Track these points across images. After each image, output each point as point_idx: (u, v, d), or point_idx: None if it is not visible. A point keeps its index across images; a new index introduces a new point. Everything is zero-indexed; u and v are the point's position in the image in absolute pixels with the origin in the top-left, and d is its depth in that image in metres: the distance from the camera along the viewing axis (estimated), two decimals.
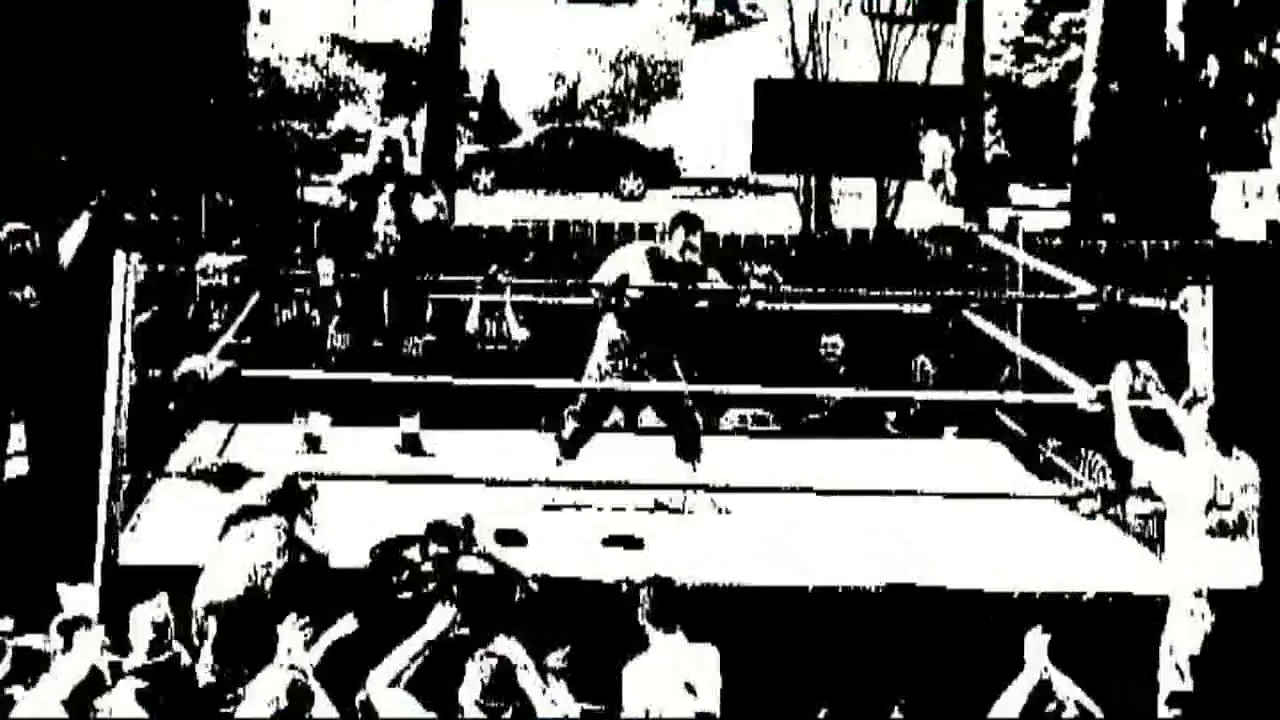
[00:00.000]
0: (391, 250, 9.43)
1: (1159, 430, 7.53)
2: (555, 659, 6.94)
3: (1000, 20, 27.06)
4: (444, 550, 7.33)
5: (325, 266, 9.28)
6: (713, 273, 8.94)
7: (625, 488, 8.74)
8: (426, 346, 9.71)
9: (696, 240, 8.90)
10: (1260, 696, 7.17)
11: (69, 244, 9.54)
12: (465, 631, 6.87)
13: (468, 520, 7.43)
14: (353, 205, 9.48)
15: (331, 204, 9.61)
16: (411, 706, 6.44)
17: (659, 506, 8.89)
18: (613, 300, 8.74)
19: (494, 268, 9.34)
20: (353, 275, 9.33)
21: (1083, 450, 9.88)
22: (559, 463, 9.01)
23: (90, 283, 9.97)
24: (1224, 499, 7.18)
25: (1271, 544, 7.33)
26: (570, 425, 9.03)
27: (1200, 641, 7.12)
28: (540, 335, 10.71)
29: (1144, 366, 7.58)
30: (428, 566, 7.34)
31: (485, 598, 7.28)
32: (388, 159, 9.49)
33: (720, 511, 8.84)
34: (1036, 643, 6.79)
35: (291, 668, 6.28)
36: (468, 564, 7.38)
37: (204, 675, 6.87)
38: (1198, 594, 7.12)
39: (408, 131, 9.75)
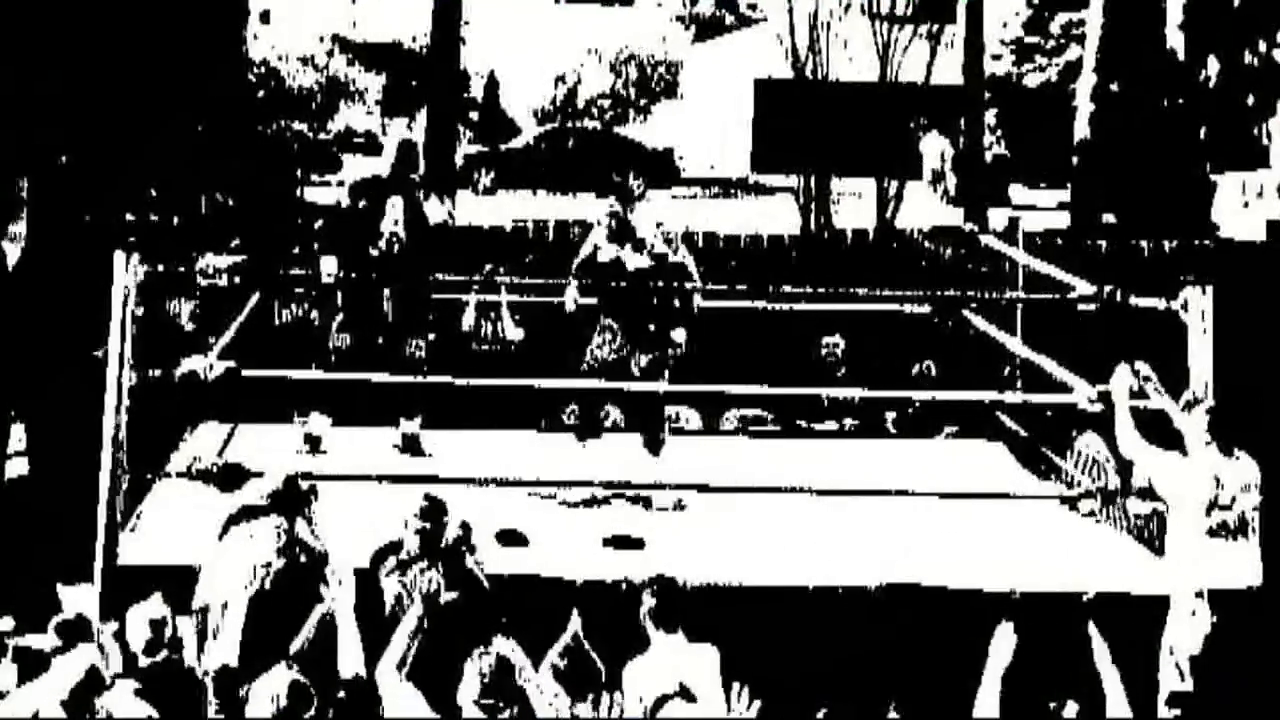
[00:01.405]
0: (396, 249, 9.43)
1: (1159, 431, 7.53)
2: (555, 659, 6.94)
3: (1000, 20, 27.05)
4: (427, 526, 7.33)
5: (328, 264, 9.28)
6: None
7: (625, 488, 8.75)
8: (427, 347, 9.72)
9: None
10: (1260, 696, 7.17)
11: (11, 247, 9.56)
12: (454, 596, 6.87)
13: (465, 527, 7.43)
14: (361, 205, 9.48)
15: (339, 204, 9.61)
16: (417, 703, 6.45)
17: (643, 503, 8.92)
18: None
19: (489, 267, 9.34)
20: (354, 274, 9.34)
21: (1079, 442, 9.87)
22: (583, 444, 9.09)
23: (49, 282, 9.98)
24: (1225, 499, 7.19)
25: (1272, 544, 7.33)
26: (577, 407, 9.14)
27: (1200, 641, 7.12)
28: (537, 335, 10.71)
29: (1143, 367, 7.59)
30: (413, 541, 7.33)
31: (481, 601, 7.28)
32: (402, 161, 9.49)
33: (678, 506, 8.88)
34: (1006, 638, 6.69)
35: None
36: (466, 564, 7.38)
37: (203, 675, 6.87)
38: (1198, 594, 7.12)
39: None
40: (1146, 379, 7.55)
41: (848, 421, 11.09)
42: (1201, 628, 7.13)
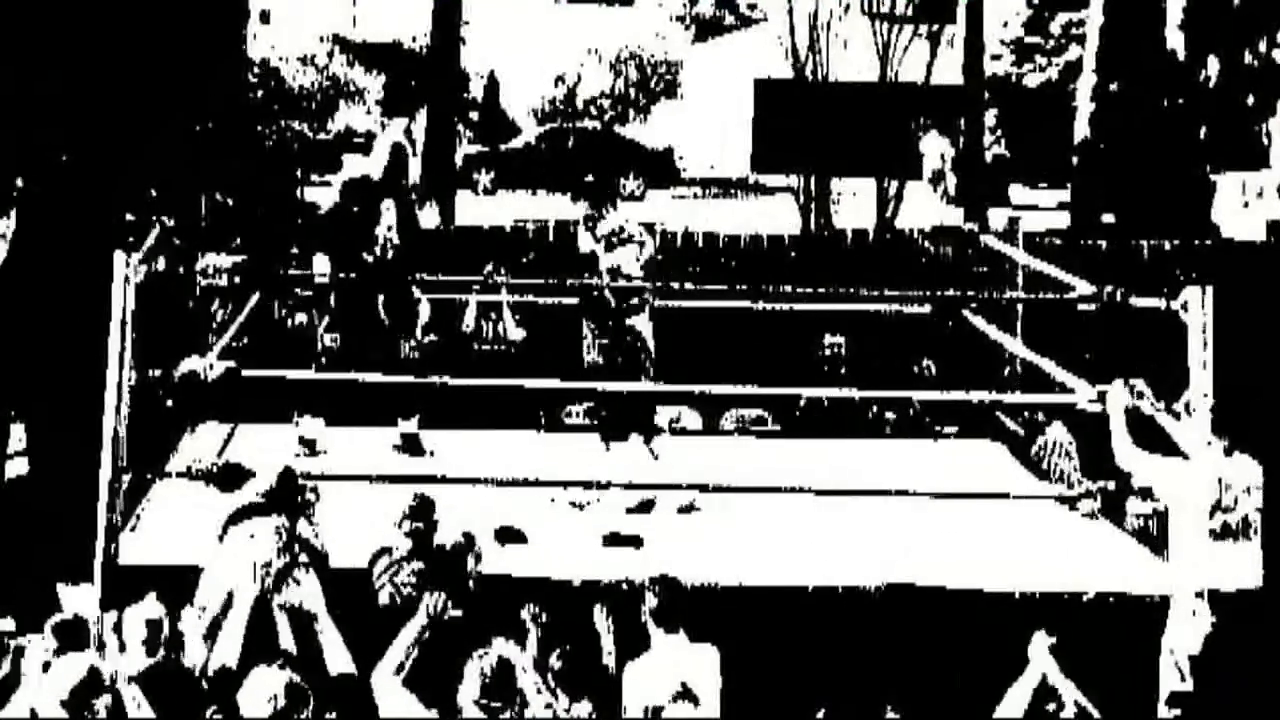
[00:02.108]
0: (390, 254, 9.42)
1: (1159, 436, 7.55)
2: (555, 659, 6.93)
3: (1000, 20, 27.05)
4: (418, 526, 7.34)
5: (320, 264, 9.26)
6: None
7: (625, 488, 8.74)
8: (424, 347, 9.71)
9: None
10: (1260, 697, 7.17)
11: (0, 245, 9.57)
12: (459, 613, 6.87)
13: (469, 537, 7.44)
14: (354, 207, 9.47)
15: (334, 204, 9.59)
16: (413, 705, 6.45)
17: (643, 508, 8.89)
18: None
19: (489, 268, 9.34)
20: (348, 277, 9.32)
21: (1048, 431, 9.87)
22: (608, 448, 9.05)
23: (49, 282, 9.97)
24: (1229, 501, 7.20)
25: (1273, 545, 7.33)
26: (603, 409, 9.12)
27: (1201, 642, 7.13)
28: (538, 335, 10.71)
29: (1138, 383, 7.63)
30: (403, 542, 7.34)
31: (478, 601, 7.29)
32: (395, 165, 9.48)
33: (689, 509, 8.86)
34: (1041, 645, 6.77)
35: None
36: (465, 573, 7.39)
37: (202, 675, 6.87)
38: (1199, 595, 7.13)
39: (407, 132, 9.75)
40: (1141, 394, 7.59)
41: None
42: (1202, 628, 7.13)
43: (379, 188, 9.46)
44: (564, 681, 6.87)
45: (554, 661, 6.90)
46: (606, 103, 32.07)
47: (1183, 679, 7.14)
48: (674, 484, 8.81)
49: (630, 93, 32.27)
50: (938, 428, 11.15)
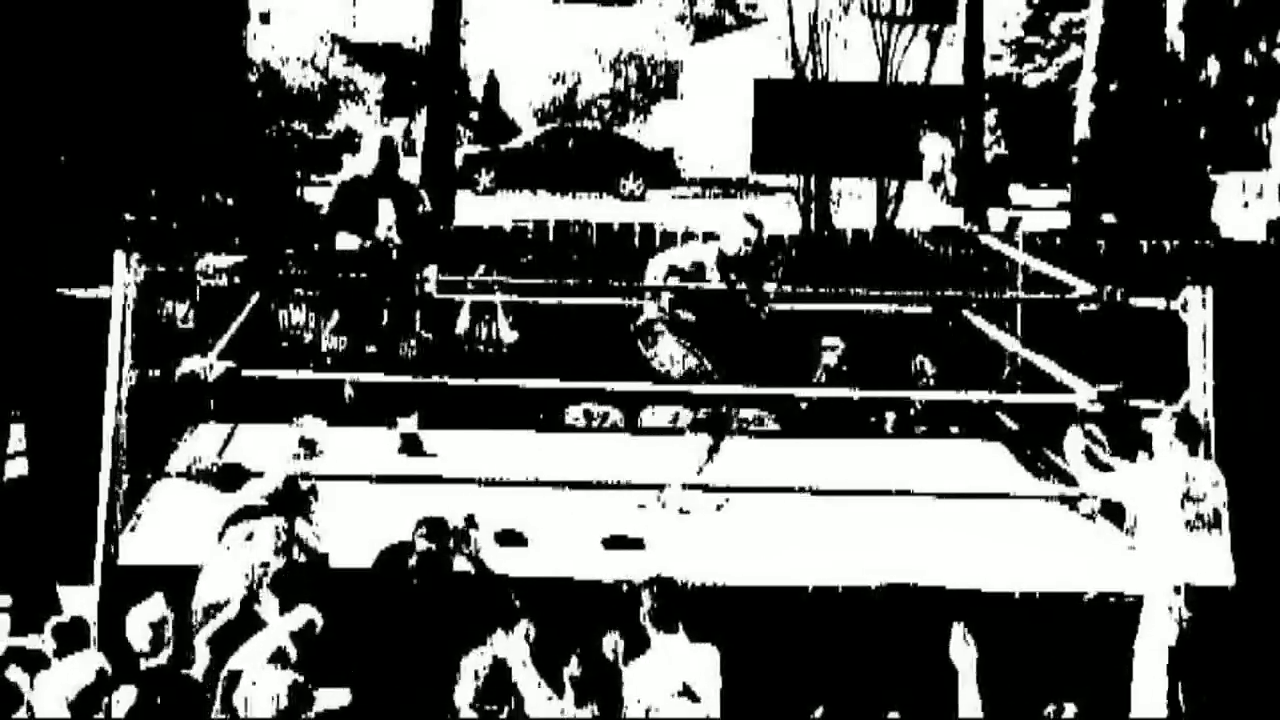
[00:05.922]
0: (393, 253, 9.41)
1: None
2: (571, 668, 6.91)
3: (1000, 20, 27.07)
4: (432, 547, 7.31)
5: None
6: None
7: (626, 488, 8.74)
8: (421, 347, 9.70)
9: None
10: (1233, 694, 7.20)
11: None
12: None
13: (469, 520, 7.42)
14: (347, 205, 9.46)
15: (328, 204, 9.58)
16: None
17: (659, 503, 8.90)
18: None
19: (482, 269, 9.32)
20: (351, 277, 9.31)
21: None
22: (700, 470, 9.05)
23: (49, 282, 9.97)
24: (1197, 492, 7.27)
25: (1273, 544, 7.34)
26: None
27: (1176, 639, 7.17)
28: (535, 336, 10.70)
29: (1093, 430, 7.78)
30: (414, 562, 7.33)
31: (477, 598, 7.28)
32: (384, 162, 9.46)
33: (718, 508, 8.85)
34: (959, 640, 6.75)
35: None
36: (460, 564, 7.37)
37: (202, 675, 6.86)
38: (1176, 590, 7.18)
39: (407, 133, 9.74)
40: (1097, 441, 7.72)
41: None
42: (1176, 626, 7.18)
43: (373, 185, 9.44)
44: (573, 685, 6.87)
45: (574, 668, 6.88)
46: (606, 103, 32.08)
47: (1160, 677, 7.18)
48: (672, 485, 8.81)
49: (630, 93, 32.29)
50: (919, 427, 11.15)
